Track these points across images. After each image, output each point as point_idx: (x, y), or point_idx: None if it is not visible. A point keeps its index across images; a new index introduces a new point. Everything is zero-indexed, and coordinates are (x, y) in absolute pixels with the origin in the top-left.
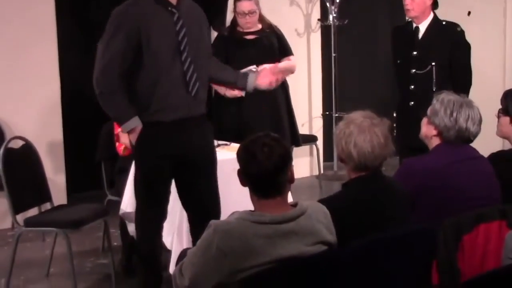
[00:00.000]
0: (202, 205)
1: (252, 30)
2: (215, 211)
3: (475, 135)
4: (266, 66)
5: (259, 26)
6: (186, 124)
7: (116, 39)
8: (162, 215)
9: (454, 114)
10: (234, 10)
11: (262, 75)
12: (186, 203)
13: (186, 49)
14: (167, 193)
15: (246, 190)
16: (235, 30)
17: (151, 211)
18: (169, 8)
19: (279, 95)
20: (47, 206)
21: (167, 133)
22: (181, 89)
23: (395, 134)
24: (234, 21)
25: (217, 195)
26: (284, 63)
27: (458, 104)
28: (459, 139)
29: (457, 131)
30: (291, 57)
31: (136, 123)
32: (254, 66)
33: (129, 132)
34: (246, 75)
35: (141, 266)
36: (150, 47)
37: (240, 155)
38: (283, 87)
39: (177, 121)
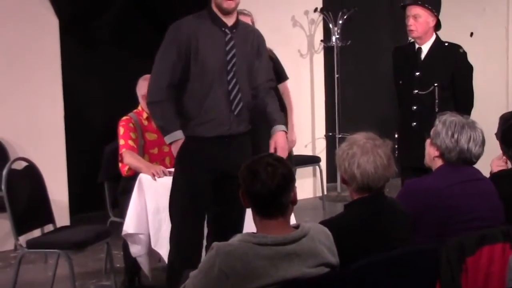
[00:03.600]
0: (231, 224)
1: None
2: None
3: (477, 157)
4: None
5: None
6: (227, 141)
7: (168, 52)
8: (201, 232)
9: (456, 136)
10: None
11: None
12: (215, 219)
13: (233, 70)
14: (206, 207)
15: (248, 210)
16: None
17: (190, 228)
18: (223, 29)
19: None
20: (49, 227)
21: (207, 148)
22: (225, 106)
23: (396, 155)
24: None
25: (244, 217)
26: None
27: (460, 126)
28: (461, 161)
29: (459, 153)
30: (286, 82)
31: (179, 136)
32: None
33: (170, 144)
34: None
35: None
36: (197, 62)
37: (243, 174)
38: (281, 110)
39: (218, 137)
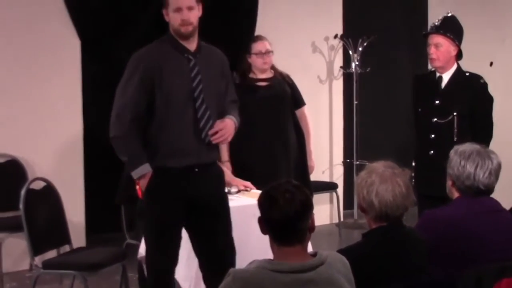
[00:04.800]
0: (216, 251)
1: (264, 77)
2: (230, 258)
3: (486, 185)
4: None
5: (271, 73)
6: (197, 170)
7: (131, 83)
8: (173, 260)
9: (463, 162)
10: (249, 54)
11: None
12: (199, 249)
13: (200, 96)
14: (178, 238)
15: (265, 237)
16: (247, 77)
17: (163, 257)
18: (186, 55)
19: (292, 144)
20: (66, 248)
21: (177, 179)
22: (193, 135)
23: (413, 183)
24: (246, 68)
25: (232, 241)
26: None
27: (469, 153)
28: (469, 189)
29: (465, 179)
30: (303, 108)
31: (147, 169)
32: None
33: (139, 179)
34: None
35: None
36: (162, 91)
37: (262, 201)
38: (298, 135)
39: (187, 167)
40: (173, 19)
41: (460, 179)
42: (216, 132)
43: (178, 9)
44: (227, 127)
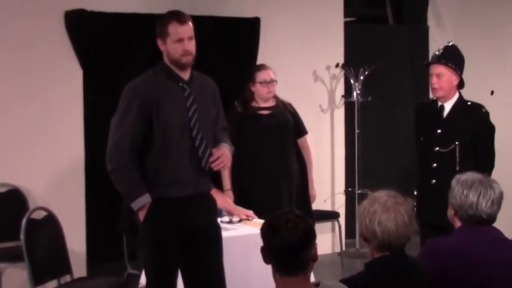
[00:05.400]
0: (207, 283)
1: (266, 105)
2: None
3: (489, 214)
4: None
5: (274, 102)
6: (193, 200)
7: (128, 114)
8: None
9: (465, 192)
10: (252, 82)
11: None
12: (189, 281)
13: (196, 125)
14: (176, 268)
15: (267, 267)
16: (249, 105)
17: (162, 287)
18: (180, 84)
19: (294, 173)
20: (66, 278)
21: (175, 209)
22: (191, 165)
23: (415, 212)
24: (248, 97)
25: (223, 274)
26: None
27: (471, 182)
28: (472, 218)
29: (468, 209)
30: (306, 136)
31: (146, 200)
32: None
33: (139, 209)
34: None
35: None
36: (160, 121)
37: (264, 230)
38: (300, 164)
39: (186, 197)
40: (173, 49)
41: (462, 208)
42: (215, 159)
43: (180, 40)
44: (225, 154)
